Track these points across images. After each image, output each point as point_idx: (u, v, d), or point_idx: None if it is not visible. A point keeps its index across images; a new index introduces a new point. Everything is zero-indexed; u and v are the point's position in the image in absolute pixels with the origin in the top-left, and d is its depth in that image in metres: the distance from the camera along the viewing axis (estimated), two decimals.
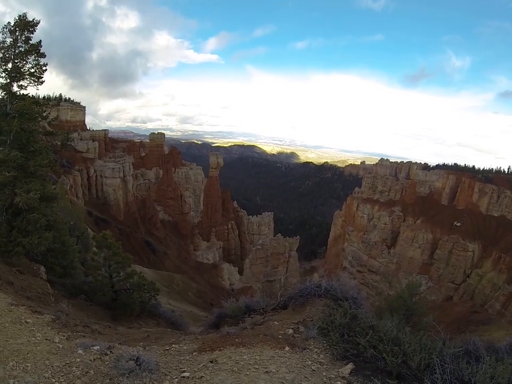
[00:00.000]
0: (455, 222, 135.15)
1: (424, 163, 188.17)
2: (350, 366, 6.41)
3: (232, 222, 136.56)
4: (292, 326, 8.37)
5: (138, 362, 6.07)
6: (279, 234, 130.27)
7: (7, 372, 5.84)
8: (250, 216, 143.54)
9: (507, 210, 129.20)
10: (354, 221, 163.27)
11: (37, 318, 8.38)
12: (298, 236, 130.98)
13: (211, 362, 6.55)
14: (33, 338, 7.18)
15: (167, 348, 7.59)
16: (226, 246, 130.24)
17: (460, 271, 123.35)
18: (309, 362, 6.68)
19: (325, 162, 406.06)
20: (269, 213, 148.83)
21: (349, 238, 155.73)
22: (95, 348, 6.88)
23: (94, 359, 6.50)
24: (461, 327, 59.51)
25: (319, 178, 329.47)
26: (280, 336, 7.77)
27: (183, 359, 6.89)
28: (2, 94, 15.31)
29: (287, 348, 7.11)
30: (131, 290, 16.20)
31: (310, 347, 7.23)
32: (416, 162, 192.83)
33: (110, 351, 6.92)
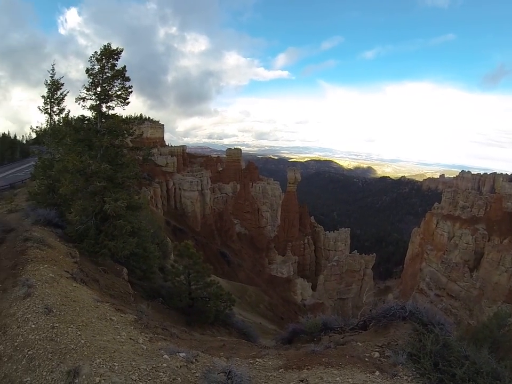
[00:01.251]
0: None
1: (511, 174, 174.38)
2: None
3: (309, 237, 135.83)
4: (377, 349, 7.97)
5: (229, 376, 6.00)
6: (355, 251, 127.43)
7: (94, 369, 6.09)
8: (327, 231, 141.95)
9: None
10: (433, 239, 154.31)
11: (121, 316, 8.88)
12: (374, 254, 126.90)
13: (301, 382, 6.39)
14: (118, 336, 7.53)
15: (251, 362, 7.53)
16: (301, 261, 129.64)
17: None
18: None
19: (402, 176, 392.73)
20: (346, 229, 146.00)
21: (427, 257, 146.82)
22: (181, 354, 7.04)
23: (180, 366, 6.61)
24: None
25: (396, 194, 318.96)
26: (366, 359, 7.39)
27: (270, 375, 6.78)
28: (93, 113, 16.98)
29: (377, 373, 6.77)
30: (208, 299, 16.82)
31: (400, 374, 6.82)
32: (501, 174, 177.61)
33: (196, 359, 7.06)
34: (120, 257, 16.06)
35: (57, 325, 7.28)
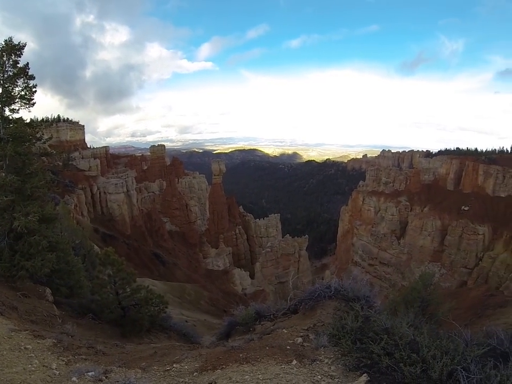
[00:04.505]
0: (463, 207, 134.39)
1: (427, 150, 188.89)
2: (363, 378, 5.80)
3: (240, 226, 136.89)
4: (302, 334, 7.90)
5: None
6: (287, 235, 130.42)
7: None
8: (257, 219, 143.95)
9: None
10: (361, 215, 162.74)
11: (38, 343, 8.12)
12: (306, 235, 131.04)
13: None
14: (30, 365, 6.89)
15: (168, 368, 7.17)
16: (235, 251, 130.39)
17: (471, 255, 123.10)
18: (319, 377, 6.11)
19: (327, 159, 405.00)
20: (276, 214, 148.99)
21: (358, 232, 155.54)
22: (90, 373, 6.57)
23: None
24: (478, 312, 58.65)
25: (322, 176, 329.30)
26: (288, 347, 7.21)
27: (182, 381, 6.50)
28: None
29: (294, 362, 6.53)
30: (139, 306, 15.99)
31: (321, 357, 6.70)
32: (418, 151, 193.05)
33: (106, 376, 6.62)
34: (41, 276, 14.70)
35: None
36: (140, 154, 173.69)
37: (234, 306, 13.09)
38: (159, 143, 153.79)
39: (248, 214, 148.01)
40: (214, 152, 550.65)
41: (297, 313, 9.88)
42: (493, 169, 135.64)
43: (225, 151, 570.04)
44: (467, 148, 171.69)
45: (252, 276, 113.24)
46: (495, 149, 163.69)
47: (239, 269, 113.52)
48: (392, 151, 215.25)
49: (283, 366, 6.41)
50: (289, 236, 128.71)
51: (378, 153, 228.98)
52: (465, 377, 5.01)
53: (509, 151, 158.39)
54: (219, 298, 66.43)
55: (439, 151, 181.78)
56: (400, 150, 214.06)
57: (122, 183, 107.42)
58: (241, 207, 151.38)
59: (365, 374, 5.85)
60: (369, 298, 9.23)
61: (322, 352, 6.85)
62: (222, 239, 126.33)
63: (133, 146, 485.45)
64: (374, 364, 5.92)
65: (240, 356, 7.04)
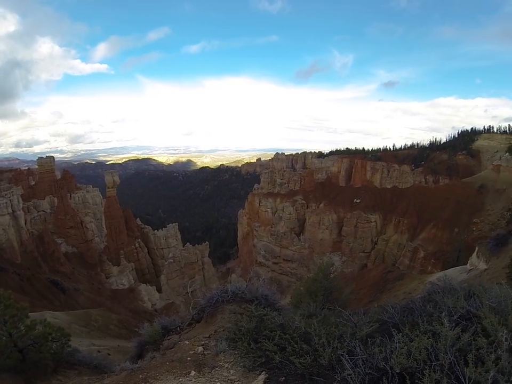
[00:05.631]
0: (355, 199, 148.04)
1: (319, 151, 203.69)
2: (262, 376, 5.90)
3: (139, 240, 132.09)
4: (203, 342, 7.92)
5: None
6: (188, 243, 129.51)
7: None
8: (156, 230, 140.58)
9: (397, 181, 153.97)
10: (259, 217, 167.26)
11: None
12: (207, 242, 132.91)
13: None
14: None
15: None
16: (138, 266, 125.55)
17: (367, 241, 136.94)
18: (218, 383, 6.20)
19: (221, 164, 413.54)
20: (174, 224, 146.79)
21: (257, 233, 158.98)
22: None
23: None
24: (380, 288, 64.23)
25: (217, 182, 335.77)
26: (189, 358, 7.14)
27: None
28: None
29: (193, 373, 6.51)
30: (38, 344, 14.16)
31: (221, 363, 6.73)
32: (311, 152, 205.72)
33: None
34: None
35: None
36: (26, 167, 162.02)
37: (141, 325, 12.82)
38: (48, 155, 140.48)
39: (146, 226, 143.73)
40: (108, 163, 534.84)
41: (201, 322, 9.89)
42: (379, 165, 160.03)
43: (119, 162, 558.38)
44: (355, 147, 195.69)
45: (159, 290, 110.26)
46: (380, 148, 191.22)
47: (145, 285, 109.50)
48: (286, 153, 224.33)
49: (181, 379, 6.43)
50: (190, 244, 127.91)
51: (272, 156, 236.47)
52: (349, 360, 5.08)
53: (392, 149, 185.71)
54: (129, 319, 63.20)
55: (330, 151, 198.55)
56: (293, 152, 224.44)
57: (6, 202, 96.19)
58: (138, 219, 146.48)
59: (263, 372, 5.98)
60: (268, 296, 9.48)
61: (223, 358, 6.90)
62: (122, 255, 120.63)
63: (18, 159, 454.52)
64: (270, 361, 6.06)
65: (140, 377, 6.86)
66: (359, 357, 5.14)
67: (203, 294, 10.43)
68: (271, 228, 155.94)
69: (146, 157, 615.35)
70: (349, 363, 5.02)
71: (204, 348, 7.57)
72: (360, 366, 4.92)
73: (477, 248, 41.17)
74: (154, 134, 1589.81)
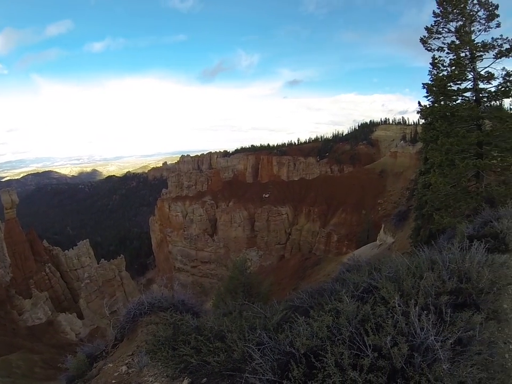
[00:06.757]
0: (264, 195, 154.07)
1: (224, 151, 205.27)
2: (185, 382, 5.99)
3: (49, 264, 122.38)
4: (127, 361, 7.67)
5: None
6: (103, 259, 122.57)
7: None
8: (66, 250, 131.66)
9: (304, 173, 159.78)
10: (170, 222, 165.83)
11: None
12: (122, 255, 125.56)
13: None
14: None
15: None
16: (52, 294, 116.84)
17: (281, 233, 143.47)
18: None
19: (127, 172, 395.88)
20: (85, 240, 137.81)
21: (171, 239, 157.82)
22: None
23: None
24: (300, 275, 68.29)
25: (125, 190, 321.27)
26: (114, 381, 7.00)
27: None
28: None
29: None
30: None
31: (145, 378, 6.63)
32: (216, 152, 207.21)
33: None
34: None
35: None
36: None
37: (63, 359, 10.85)
38: None
39: (55, 247, 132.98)
40: (3, 179, 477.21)
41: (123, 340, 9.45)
42: (285, 159, 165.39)
43: (16, 177, 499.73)
44: (261, 144, 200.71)
45: (80, 316, 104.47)
46: (285, 143, 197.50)
47: (64, 313, 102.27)
48: (191, 155, 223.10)
49: None
50: (105, 260, 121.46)
51: (178, 159, 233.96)
52: (256, 350, 5.38)
53: (297, 143, 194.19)
54: (54, 356, 59.94)
55: (235, 150, 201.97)
56: (199, 153, 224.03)
57: None
58: (45, 240, 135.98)
59: (186, 378, 6.05)
60: (185, 301, 9.45)
61: (146, 372, 6.80)
62: (33, 285, 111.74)
63: None
64: (188, 365, 6.12)
65: None
66: (266, 345, 5.39)
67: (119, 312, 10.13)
68: (184, 231, 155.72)
69: (47, 169, 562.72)
70: (257, 353, 5.22)
71: (127, 366, 7.40)
72: (269, 354, 5.15)
73: (383, 225, 46.31)
74: (54, 143, 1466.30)
